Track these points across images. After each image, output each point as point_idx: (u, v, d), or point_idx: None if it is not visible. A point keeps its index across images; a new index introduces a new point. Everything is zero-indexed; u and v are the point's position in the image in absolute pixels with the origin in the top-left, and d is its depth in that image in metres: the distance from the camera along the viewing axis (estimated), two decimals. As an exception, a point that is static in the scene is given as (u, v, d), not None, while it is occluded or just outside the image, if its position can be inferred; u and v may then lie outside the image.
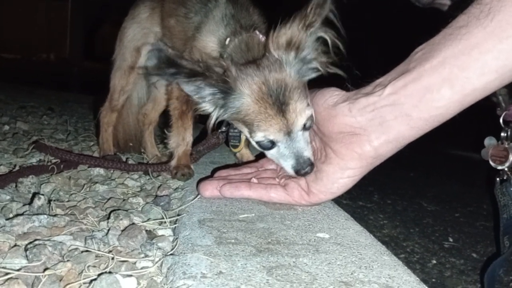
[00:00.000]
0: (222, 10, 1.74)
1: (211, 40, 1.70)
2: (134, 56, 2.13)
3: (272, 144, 1.43)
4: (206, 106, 1.45)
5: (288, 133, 1.40)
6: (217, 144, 1.99)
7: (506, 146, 1.58)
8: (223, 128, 1.94)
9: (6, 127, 2.64)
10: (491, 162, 1.60)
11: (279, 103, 1.37)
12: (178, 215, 1.42)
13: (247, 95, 1.38)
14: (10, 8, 15.43)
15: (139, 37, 2.13)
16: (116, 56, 2.19)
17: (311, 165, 1.40)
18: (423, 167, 4.06)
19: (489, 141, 1.64)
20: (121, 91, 2.17)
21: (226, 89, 1.39)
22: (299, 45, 1.40)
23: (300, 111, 1.38)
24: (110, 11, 17.47)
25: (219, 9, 1.76)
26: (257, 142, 1.45)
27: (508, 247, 1.52)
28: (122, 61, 2.16)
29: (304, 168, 1.39)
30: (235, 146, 1.96)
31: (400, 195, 2.97)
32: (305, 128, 1.41)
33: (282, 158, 1.45)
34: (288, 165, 1.44)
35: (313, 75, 1.46)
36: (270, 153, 1.48)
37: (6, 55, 13.56)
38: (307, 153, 1.41)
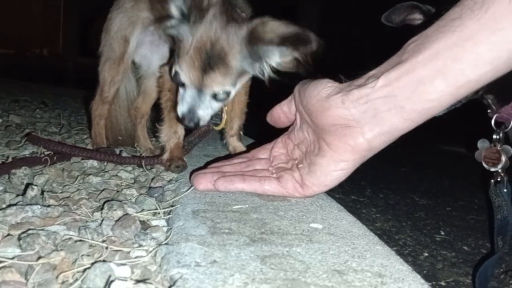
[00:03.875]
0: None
1: None
2: (122, 46, 2.11)
3: (182, 84, 1.61)
4: (172, 13, 1.55)
5: (198, 89, 1.58)
6: (208, 131, 1.98)
7: (498, 148, 1.60)
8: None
9: (-1, 120, 2.63)
10: (484, 164, 1.62)
11: (208, 65, 1.53)
12: (172, 206, 1.42)
13: (196, 39, 1.52)
14: (3, 3, 15.32)
15: (126, 26, 2.10)
16: (103, 47, 2.16)
17: (196, 123, 1.64)
18: (414, 162, 4.08)
19: (482, 143, 1.66)
20: (111, 82, 2.14)
21: (191, 18, 1.51)
22: (262, 41, 1.52)
23: (218, 83, 1.56)
24: (104, 6, 17.41)
25: None
26: (175, 72, 1.60)
27: (502, 247, 1.54)
28: (110, 52, 2.13)
29: (189, 122, 1.63)
30: (216, 125, 1.94)
31: (392, 190, 2.99)
32: (215, 97, 1.61)
33: (182, 101, 1.63)
34: (180, 109, 1.63)
35: (255, 72, 1.63)
36: (180, 90, 1.65)
37: (0, 50, 13.49)
38: (201, 113, 1.61)
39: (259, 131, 1.93)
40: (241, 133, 2.05)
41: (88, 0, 17.25)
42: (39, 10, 15.86)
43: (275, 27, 1.54)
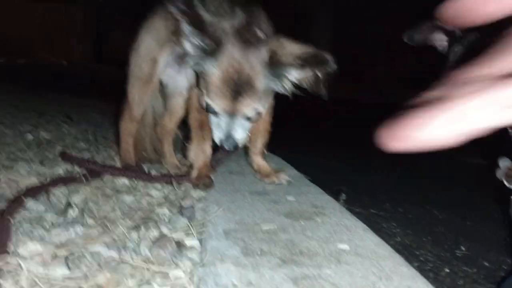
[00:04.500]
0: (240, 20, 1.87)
1: None
2: (151, 66, 2.19)
3: (215, 113, 1.72)
4: (190, 52, 1.69)
5: (231, 114, 1.69)
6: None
7: None
8: None
9: (30, 136, 2.73)
10: (506, 183, 1.66)
11: (237, 92, 1.65)
12: (203, 225, 1.49)
13: (220, 70, 1.65)
14: (22, 13, 15.66)
15: (155, 47, 2.18)
16: (132, 67, 2.22)
17: (235, 146, 1.74)
18: (431, 174, 4.10)
19: (503, 162, 1.70)
20: (140, 101, 2.22)
21: (208, 52, 1.64)
22: (283, 64, 1.67)
23: (249, 106, 1.68)
24: (120, 15, 17.66)
25: (238, 20, 1.87)
26: (206, 104, 1.72)
27: None
28: (139, 72, 2.21)
29: (228, 145, 1.73)
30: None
31: (411, 203, 3.02)
32: (249, 119, 1.73)
33: (217, 128, 1.75)
34: (217, 136, 1.75)
35: (278, 89, 1.75)
36: (212, 118, 1.76)
37: (18, 59, 13.75)
38: (238, 136, 1.73)
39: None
40: (265, 151, 2.11)
41: (105, 10, 17.54)
42: (56, 19, 16.18)
43: (292, 49, 1.65)
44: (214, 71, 1.65)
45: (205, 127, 1.95)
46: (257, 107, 1.70)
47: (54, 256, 1.17)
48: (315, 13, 17.11)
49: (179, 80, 2.29)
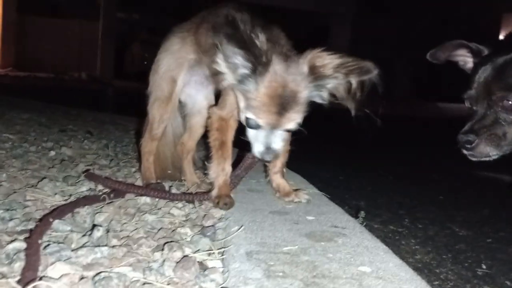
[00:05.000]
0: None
1: None
2: (170, 86, 2.23)
3: (257, 127, 1.74)
4: (227, 72, 1.74)
5: (274, 128, 1.74)
6: (254, 163, 2.07)
7: None
8: None
9: (52, 153, 2.79)
10: None
11: (282, 107, 1.70)
12: (224, 245, 1.51)
13: (266, 87, 1.68)
14: (43, 29, 16.02)
15: (174, 67, 2.23)
16: (152, 87, 2.28)
17: (276, 156, 1.83)
18: (452, 189, 4.06)
19: None
20: (160, 120, 2.26)
21: (257, 71, 1.67)
22: (323, 76, 1.72)
23: (293, 120, 1.73)
24: (139, 30, 17.95)
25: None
26: (247, 118, 1.75)
27: None
28: (159, 92, 2.25)
29: (268, 157, 1.78)
30: None
31: (430, 219, 3.00)
32: (287, 130, 1.78)
33: (256, 140, 1.78)
34: (257, 149, 1.78)
35: (318, 100, 1.81)
36: (251, 132, 1.79)
37: (40, 74, 14.05)
38: (277, 146, 1.77)
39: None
40: (284, 170, 2.13)
41: (124, 25, 17.85)
42: (77, 35, 16.51)
43: (332, 61, 1.71)
44: (259, 88, 1.69)
45: (225, 146, 1.98)
46: (299, 119, 1.75)
47: (82, 278, 1.20)
48: (331, 27, 17.20)
49: (198, 99, 2.34)
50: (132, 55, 17.30)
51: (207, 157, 2.06)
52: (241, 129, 2.03)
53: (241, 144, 2.21)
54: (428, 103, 14.07)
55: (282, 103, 1.69)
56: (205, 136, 2.12)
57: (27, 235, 1.42)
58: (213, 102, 2.26)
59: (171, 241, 1.48)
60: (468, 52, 1.80)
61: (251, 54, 1.64)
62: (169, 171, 2.42)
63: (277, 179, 2.11)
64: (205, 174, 2.09)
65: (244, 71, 1.69)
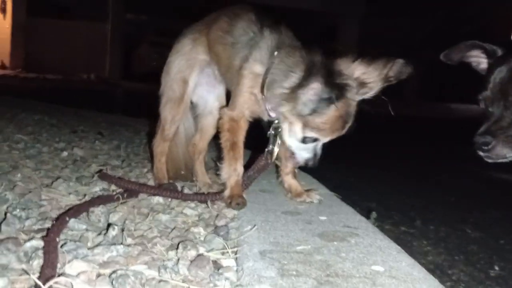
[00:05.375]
0: (268, 42, 1.97)
1: (258, 68, 1.96)
2: (182, 87, 2.25)
3: (313, 141, 1.86)
4: (305, 105, 1.79)
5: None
6: (266, 165, 2.09)
7: None
8: (270, 147, 2.04)
9: (65, 154, 2.82)
10: None
11: (344, 124, 1.83)
12: (238, 245, 1.52)
13: (335, 110, 1.78)
14: (52, 31, 16.14)
15: (185, 68, 2.26)
16: (163, 88, 2.30)
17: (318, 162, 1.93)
18: (463, 190, 4.04)
19: None
20: (172, 121, 2.28)
21: (333, 99, 1.75)
22: (373, 89, 1.81)
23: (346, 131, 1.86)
24: (147, 31, 18.04)
25: (265, 40, 1.97)
26: (305, 137, 1.84)
27: None
28: (171, 93, 2.27)
29: (313, 164, 1.91)
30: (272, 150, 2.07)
31: (442, 221, 2.98)
32: None
33: (303, 150, 1.89)
34: (303, 157, 1.91)
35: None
36: (301, 145, 1.88)
37: (49, 76, 14.16)
38: (319, 152, 1.91)
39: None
40: (296, 171, 2.13)
41: (132, 26, 17.94)
42: (85, 36, 16.62)
43: (375, 73, 1.79)
44: (329, 111, 1.78)
45: (236, 147, 1.99)
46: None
47: (99, 275, 1.22)
48: (339, 28, 17.18)
49: (210, 100, 2.35)
50: (141, 56, 17.37)
51: (219, 158, 2.08)
52: (252, 130, 2.06)
53: (253, 146, 2.24)
54: (437, 104, 14.01)
55: (345, 121, 1.82)
56: (216, 137, 2.14)
57: (44, 233, 1.45)
58: (224, 103, 2.28)
59: (185, 240, 1.50)
60: (482, 52, 1.80)
61: (336, 86, 1.73)
62: (182, 172, 2.44)
63: (289, 180, 2.11)
64: (217, 175, 2.10)
65: (322, 103, 1.77)
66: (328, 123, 1.80)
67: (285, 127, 1.90)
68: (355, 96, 1.80)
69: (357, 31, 16.76)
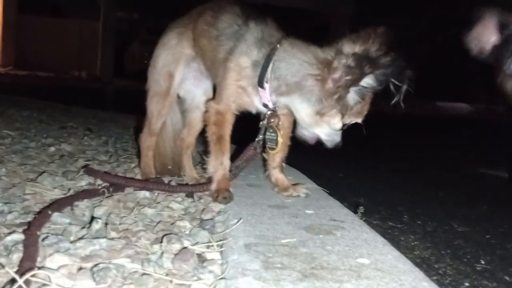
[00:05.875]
0: (254, 34, 1.95)
1: (244, 60, 1.94)
2: (168, 81, 2.24)
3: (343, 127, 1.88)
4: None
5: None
6: (255, 155, 2.08)
7: None
8: (259, 137, 2.04)
9: (52, 149, 2.79)
10: None
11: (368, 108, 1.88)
12: (223, 238, 1.51)
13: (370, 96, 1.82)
14: (43, 28, 16.01)
15: (171, 62, 2.24)
16: (150, 82, 2.28)
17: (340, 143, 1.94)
18: (451, 186, 4.06)
19: None
20: (158, 115, 2.27)
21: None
22: None
23: None
24: (139, 29, 17.96)
25: (251, 33, 1.95)
26: (344, 124, 1.85)
27: None
28: (157, 87, 2.26)
29: (339, 145, 1.93)
30: (273, 149, 2.04)
31: (430, 216, 3.00)
32: None
33: (334, 136, 1.90)
34: (333, 141, 1.91)
35: None
36: (336, 132, 1.89)
37: (41, 73, 14.05)
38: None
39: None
40: (283, 165, 2.13)
41: (124, 24, 17.83)
42: (77, 34, 16.50)
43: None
44: (367, 98, 1.82)
45: (223, 140, 1.98)
46: None
47: (80, 268, 1.20)
48: (330, 26, 17.20)
49: (197, 94, 2.34)
50: (132, 54, 17.29)
51: (206, 152, 2.07)
52: (238, 125, 2.05)
53: (239, 140, 2.22)
54: (426, 102, 14.07)
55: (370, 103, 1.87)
56: (204, 131, 2.12)
57: (25, 227, 1.42)
58: (211, 97, 2.26)
59: (170, 234, 1.48)
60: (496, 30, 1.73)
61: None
62: (169, 167, 2.42)
63: (276, 174, 2.11)
64: (204, 169, 2.09)
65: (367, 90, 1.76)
66: (366, 106, 1.85)
67: (308, 113, 1.86)
68: None
69: (348, 30, 16.76)
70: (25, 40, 15.67)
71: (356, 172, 4.26)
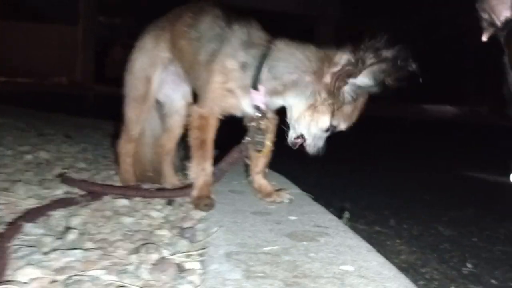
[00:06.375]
0: (239, 36, 1.90)
1: (231, 63, 1.89)
2: (145, 86, 2.18)
3: (333, 130, 1.86)
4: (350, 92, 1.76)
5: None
6: (240, 158, 2.04)
7: None
8: (246, 139, 1.99)
9: (29, 157, 2.71)
10: None
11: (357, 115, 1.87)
12: (204, 247, 1.46)
13: (361, 101, 1.82)
14: (22, 34, 15.78)
15: (148, 66, 2.18)
16: (127, 87, 2.22)
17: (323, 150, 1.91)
18: (438, 189, 4.06)
19: None
20: (136, 121, 2.21)
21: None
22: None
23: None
24: (120, 34, 17.81)
25: (236, 35, 1.91)
26: (332, 125, 1.83)
27: None
28: (134, 92, 2.20)
29: (322, 151, 1.90)
30: (260, 151, 2.01)
31: (416, 220, 2.98)
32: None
33: (321, 139, 1.88)
34: (318, 145, 1.89)
35: None
36: (321, 134, 1.86)
37: (20, 79, 13.82)
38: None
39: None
40: (266, 170, 2.09)
41: (105, 29, 17.68)
42: (57, 39, 16.28)
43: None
44: (360, 100, 1.80)
45: (205, 145, 1.93)
46: None
47: (53, 281, 1.14)
48: (315, 29, 17.29)
49: (175, 99, 2.28)
50: (113, 59, 17.12)
51: (187, 158, 2.01)
52: (222, 129, 2.00)
53: (222, 145, 2.18)
54: (410, 105, 14.19)
55: (360, 109, 1.85)
56: (185, 136, 2.07)
57: (-4, 238, 1.36)
58: (190, 101, 2.21)
59: (148, 243, 1.43)
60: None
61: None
62: (149, 174, 2.36)
63: (259, 180, 2.06)
64: (185, 175, 2.03)
65: (363, 90, 1.76)
66: (355, 111, 1.83)
67: (301, 112, 1.85)
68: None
69: (333, 33, 16.88)
70: (3, 46, 15.42)
71: (342, 176, 4.24)
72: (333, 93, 1.74)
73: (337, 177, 4.17)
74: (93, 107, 9.64)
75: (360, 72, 1.68)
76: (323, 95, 1.76)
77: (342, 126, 1.86)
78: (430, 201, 3.60)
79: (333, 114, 1.79)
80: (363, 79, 1.70)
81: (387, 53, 1.64)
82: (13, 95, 9.86)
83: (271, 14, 14.00)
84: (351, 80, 1.72)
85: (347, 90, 1.74)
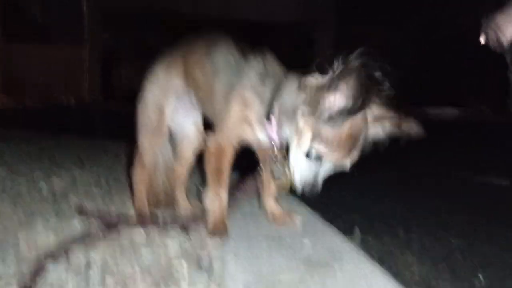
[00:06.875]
0: (256, 68, 1.94)
1: (249, 95, 1.92)
2: (158, 115, 2.22)
3: (317, 160, 1.71)
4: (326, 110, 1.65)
5: (335, 164, 1.74)
6: (255, 193, 2.10)
7: None
8: (265, 170, 2.04)
9: (43, 185, 2.77)
10: None
11: (352, 147, 1.71)
12: (221, 279, 1.49)
13: (349, 127, 1.66)
14: (30, 55, 15.92)
15: (160, 95, 2.22)
16: (140, 117, 2.26)
17: (317, 192, 1.78)
18: (442, 194, 4.05)
19: None
20: (150, 150, 2.26)
21: (352, 113, 1.62)
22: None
23: (354, 159, 1.76)
24: (126, 52, 17.93)
25: (251, 65, 1.95)
26: (310, 148, 1.69)
27: None
28: (147, 122, 2.24)
29: (308, 190, 1.75)
30: (280, 180, 1.95)
31: (425, 230, 2.98)
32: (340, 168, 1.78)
33: (304, 171, 1.74)
34: (302, 179, 1.75)
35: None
36: (304, 163, 1.73)
37: (28, 101, 13.96)
38: (320, 182, 1.76)
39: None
40: (278, 194, 2.12)
41: (111, 47, 17.79)
42: (64, 59, 16.40)
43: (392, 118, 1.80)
44: (343, 127, 1.66)
45: (221, 173, 1.96)
46: (355, 160, 1.76)
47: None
48: (315, 39, 17.34)
49: (187, 126, 2.33)
50: (120, 76, 17.24)
51: (203, 183, 2.04)
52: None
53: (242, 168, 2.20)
54: (412, 108, 14.18)
55: (353, 144, 1.71)
56: (199, 161, 2.10)
57: (20, 278, 1.41)
58: (201, 127, 2.26)
59: (167, 277, 1.47)
60: None
61: (362, 100, 1.59)
62: (162, 200, 2.40)
63: (270, 203, 2.10)
64: (200, 201, 2.06)
65: (342, 113, 1.62)
66: (337, 138, 1.67)
67: (293, 140, 1.78)
68: (370, 123, 1.75)
69: (332, 39, 16.93)
70: (11, 68, 15.60)
71: (347, 187, 4.25)
72: (312, 105, 1.67)
73: (342, 187, 4.16)
74: (102, 126, 9.69)
75: (334, 85, 1.61)
76: (309, 112, 1.69)
77: (328, 154, 1.71)
78: (436, 207, 3.60)
79: (313, 135, 1.69)
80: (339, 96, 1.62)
81: (355, 63, 1.59)
82: (22, 119, 9.95)
83: (269, 27, 14.08)
84: (326, 95, 1.63)
85: (324, 106, 1.65)
